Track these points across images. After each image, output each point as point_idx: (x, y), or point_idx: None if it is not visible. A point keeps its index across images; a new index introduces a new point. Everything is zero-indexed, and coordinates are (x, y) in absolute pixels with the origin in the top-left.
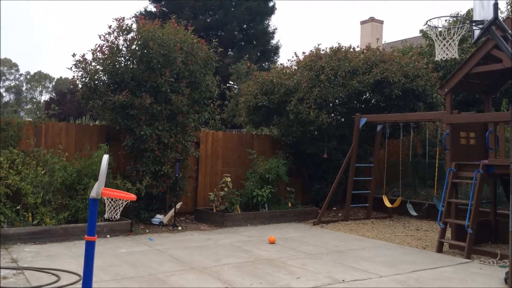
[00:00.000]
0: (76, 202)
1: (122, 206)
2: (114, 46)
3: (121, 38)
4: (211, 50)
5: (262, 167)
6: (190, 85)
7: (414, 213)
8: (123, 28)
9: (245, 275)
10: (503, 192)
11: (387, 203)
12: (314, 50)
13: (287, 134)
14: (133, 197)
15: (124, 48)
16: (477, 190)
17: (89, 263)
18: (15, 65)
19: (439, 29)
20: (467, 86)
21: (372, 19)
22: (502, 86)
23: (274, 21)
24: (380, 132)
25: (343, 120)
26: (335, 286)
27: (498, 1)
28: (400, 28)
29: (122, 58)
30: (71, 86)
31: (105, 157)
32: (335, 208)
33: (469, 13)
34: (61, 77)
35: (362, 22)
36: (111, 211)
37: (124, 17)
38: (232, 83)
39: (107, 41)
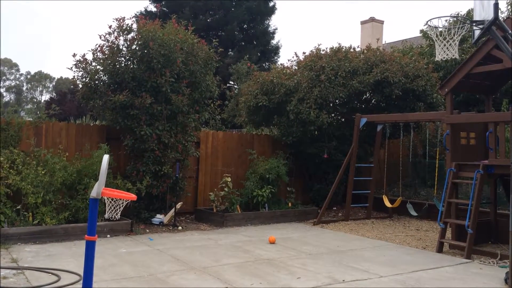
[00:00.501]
0: (76, 202)
1: (122, 206)
2: (115, 46)
3: (121, 38)
4: (211, 50)
5: (262, 167)
6: (190, 85)
7: (414, 213)
8: (124, 28)
9: (245, 275)
10: (503, 192)
11: (387, 203)
12: (315, 50)
13: (287, 134)
14: (133, 197)
15: (124, 48)
16: (477, 190)
17: (89, 263)
18: (16, 65)
19: (440, 29)
20: (468, 86)
21: (372, 19)
22: (502, 86)
23: (274, 21)
24: (380, 132)
25: (343, 120)
26: (335, 286)
27: (498, 1)
28: (401, 28)
29: (123, 58)
30: (72, 86)
31: (106, 157)
32: (335, 208)
33: (470, 13)
34: (61, 77)
35: (362, 22)
36: (112, 211)
37: (124, 17)
38: (232, 83)
39: (108, 41)
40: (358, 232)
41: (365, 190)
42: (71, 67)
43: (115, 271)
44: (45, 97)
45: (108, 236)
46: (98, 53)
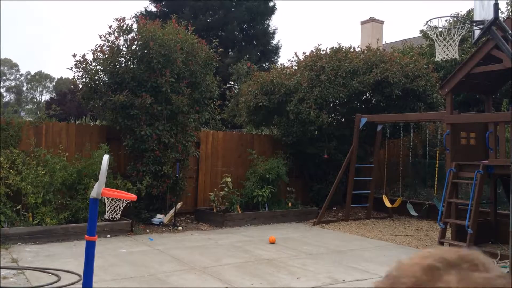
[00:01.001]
0: (76, 202)
1: (122, 206)
2: (115, 46)
3: (121, 38)
4: (211, 50)
5: (262, 167)
6: (190, 85)
7: (414, 213)
8: (124, 28)
9: (245, 275)
10: (503, 192)
11: (387, 203)
12: (315, 50)
13: (288, 134)
14: (133, 197)
15: (124, 48)
16: (477, 190)
17: (90, 263)
18: (16, 65)
19: (440, 29)
20: (468, 86)
21: (372, 19)
22: (502, 86)
23: (274, 21)
24: (381, 132)
25: (343, 120)
26: (335, 286)
27: (498, 1)
28: (401, 28)
29: (123, 58)
30: (72, 86)
31: (106, 157)
32: (335, 208)
33: (470, 13)
34: (61, 77)
35: (363, 22)
36: (112, 211)
37: (124, 17)
38: (232, 83)
39: (108, 41)
40: (358, 232)
41: (365, 190)
42: (71, 67)
43: (115, 271)
44: (45, 97)
45: (108, 236)
46: (98, 53)
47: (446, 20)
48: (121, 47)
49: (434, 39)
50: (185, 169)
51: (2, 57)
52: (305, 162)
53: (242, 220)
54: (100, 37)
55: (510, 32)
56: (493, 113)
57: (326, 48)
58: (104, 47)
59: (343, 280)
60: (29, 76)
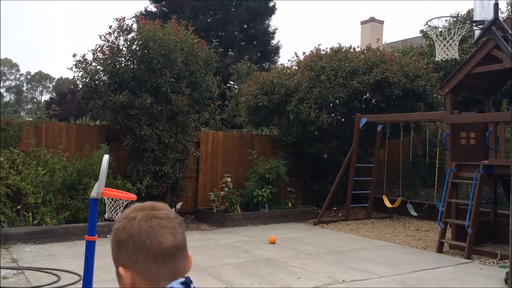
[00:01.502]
0: (76, 202)
1: (122, 206)
2: (115, 46)
3: (121, 38)
4: (211, 50)
5: (262, 167)
6: (190, 85)
7: (414, 213)
8: (124, 28)
9: (245, 275)
10: (503, 192)
11: (387, 203)
12: (315, 50)
13: (288, 134)
14: (133, 197)
15: (124, 48)
16: (477, 190)
17: (90, 263)
18: (16, 65)
19: (440, 29)
20: (468, 86)
21: (372, 19)
22: (502, 86)
23: (274, 21)
24: (381, 132)
25: (343, 120)
26: (335, 286)
27: (499, 1)
28: (401, 28)
29: (123, 58)
30: (72, 86)
31: (106, 157)
32: (335, 208)
33: (470, 13)
34: (61, 77)
35: (363, 22)
36: (112, 211)
37: (124, 17)
38: (232, 83)
39: (108, 41)
40: (358, 232)
41: (365, 190)
42: (71, 67)
43: (115, 271)
44: (45, 97)
45: (108, 236)
46: (98, 53)
47: (446, 20)
48: (121, 47)
49: (434, 39)
50: (185, 169)
51: (2, 57)
52: (305, 162)
53: (242, 220)
54: (100, 37)
55: (510, 32)
56: (493, 113)
57: (326, 48)
58: (104, 47)
59: (343, 280)
60: (29, 76)
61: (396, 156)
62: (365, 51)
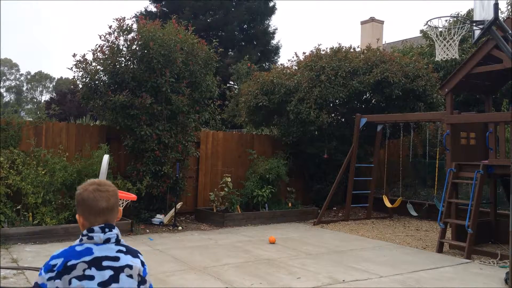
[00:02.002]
0: None
1: (122, 206)
2: (115, 46)
3: (121, 38)
4: (211, 50)
5: (262, 167)
6: (190, 85)
7: (414, 213)
8: (124, 28)
9: (245, 275)
10: (503, 192)
11: (387, 203)
12: (315, 51)
13: (288, 134)
14: (133, 197)
15: (124, 48)
16: (477, 190)
17: None
18: (16, 65)
19: (440, 29)
20: (468, 86)
21: (372, 19)
22: (502, 86)
23: (274, 21)
24: (381, 132)
25: (343, 120)
26: (335, 286)
27: (499, 1)
28: (401, 28)
29: (123, 58)
30: (72, 86)
31: (106, 157)
32: (335, 208)
33: (470, 13)
34: (61, 77)
35: (363, 22)
36: None
37: (124, 17)
38: (232, 83)
39: (108, 41)
40: (358, 232)
41: (365, 190)
42: (71, 67)
43: None
44: (45, 97)
45: None
46: (98, 53)
47: (446, 20)
48: (121, 47)
49: (434, 39)
50: (185, 169)
51: (2, 57)
52: (305, 162)
53: (242, 220)
54: (100, 37)
55: (510, 32)
56: (493, 113)
57: (326, 48)
58: (104, 47)
59: (343, 280)
60: (29, 76)
61: (396, 156)
62: (365, 51)
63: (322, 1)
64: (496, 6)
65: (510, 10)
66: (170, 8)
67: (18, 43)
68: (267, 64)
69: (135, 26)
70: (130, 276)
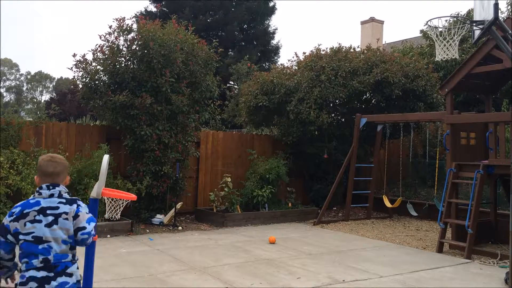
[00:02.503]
0: None
1: (122, 206)
2: (115, 46)
3: (121, 38)
4: (211, 50)
5: (263, 167)
6: (190, 85)
7: (414, 213)
8: (124, 28)
9: (245, 275)
10: (503, 192)
11: (387, 203)
12: (315, 51)
13: (288, 134)
14: (133, 197)
15: (124, 48)
16: (478, 190)
17: (89, 263)
18: (16, 65)
19: (440, 29)
20: (468, 86)
21: (372, 19)
22: (502, 86)
23: (274, 21)
24: (381, 132)
25: (343, 120)
26: (335, 286)
27: (499, 1)
28: (401, 28)
29: (123, 58)
30: (72, 86)
31: (106, 157)
32: (335, 208)
33: (470, 13)
34: (61, 77)
35: (363, 22)
36: (112, 211)
37: (124, 17)
38: (232, 83)
39: (108, 41)
40: (358, 232)
41: (365, 190)
42: (71, 67)
43: (115, 271)
44: (45, 97)
45: (108, 236)
46: (98, 53)
47: (446, 20)
48: (121, 47)
49: (434, 39)
50: (185, 169)
51: (2, 57)
52: (305, 162)
53: (242, 220)
54: (100, 37)
55: (510, 32)
56: (493, 113)
57: (326, 48)
58: (104, 47)
59: (343, 280)
60: (29, 76)
61: (396, 156)
62: (365, 51)
63: (322, 1)
64: (496, 6)
65: (510, 10)
66: (170, 8)
67: (18, 43)
68: (267, 64)
69: (135, 26)
70: (66, 219)
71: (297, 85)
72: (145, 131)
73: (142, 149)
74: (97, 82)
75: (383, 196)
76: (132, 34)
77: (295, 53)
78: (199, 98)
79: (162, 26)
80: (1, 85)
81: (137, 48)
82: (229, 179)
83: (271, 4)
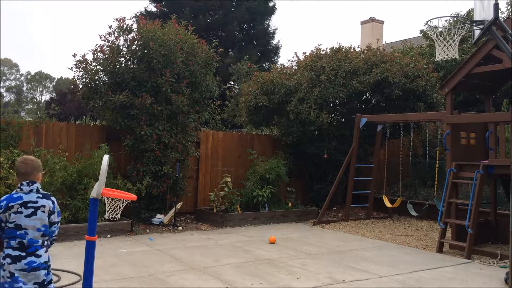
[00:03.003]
0: (76, 202)
1: (122, 206)
2: (115, 46)
3: (121, 38)
4: (211, 50)
5: (263, 167)
6: (190, 85)
7: (414, 213)
8: (124, 28)
9: (245, 275)
10: (503, 193)
11: (387, 203)
12: (315, 51)
13: (288, 134)
14: (133, 197)
15: (124, 48)
16: (477, 190)
17: (90, 263)
18: (16, 65)
19: (440, 29)
20: (468, 86)
21: (372, 19)
22: (502, 86)
23: (274, 21)
24: (381, 132)
25: (343, 120)
26: (335, 286)
27: (499, 1)
28: (401, 28)
29: (123, 58)
30: (72, 86)
31: (106, 157)
32: (335, 208)
33: (470, 13)
34: (61, 77)
35: (363, 22)
36: (112, 211)
37: (124, 17)
38: (232, 83)
39: (108, 41)
40: (358, 232)
41: (365, 190)
42: (71, 67)
43: (115, 271)
44: (45, 97)
45: (108, 236)
46: (98, 53)
47: (446, 20)
48: (121, 47)
49: (434, 39)
50: (185, 169)
51: (2, 57)
52: (305, 162)
53: (242, 220)
54: (100, 37)
55: (510, 32)
56: (493, 113)
57: (326, 48)
58: (104, 47)
59: (343, 280)
60: (29, 76)
61: (396, 156)
62: (365, 51)
63: (322, 1)
64: (496, 6)
65: (510, 10)
66: (170, 8)
67: (18, 43)
68: (267, 64)
69: (135, 26)
70: (43, 211)
71: (297, 85)
72: (145, 131)
73: (142, 149)
74: (97, 82)
75: (383, 196)
76: (132, 34)
77: (295, 53)
78: (199, 98)
79: (162, 26)
80: (1, 85)
81: (137, 48)
82: (229, 179)
83: (271, 4)
